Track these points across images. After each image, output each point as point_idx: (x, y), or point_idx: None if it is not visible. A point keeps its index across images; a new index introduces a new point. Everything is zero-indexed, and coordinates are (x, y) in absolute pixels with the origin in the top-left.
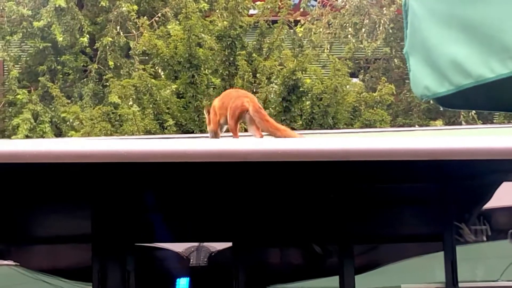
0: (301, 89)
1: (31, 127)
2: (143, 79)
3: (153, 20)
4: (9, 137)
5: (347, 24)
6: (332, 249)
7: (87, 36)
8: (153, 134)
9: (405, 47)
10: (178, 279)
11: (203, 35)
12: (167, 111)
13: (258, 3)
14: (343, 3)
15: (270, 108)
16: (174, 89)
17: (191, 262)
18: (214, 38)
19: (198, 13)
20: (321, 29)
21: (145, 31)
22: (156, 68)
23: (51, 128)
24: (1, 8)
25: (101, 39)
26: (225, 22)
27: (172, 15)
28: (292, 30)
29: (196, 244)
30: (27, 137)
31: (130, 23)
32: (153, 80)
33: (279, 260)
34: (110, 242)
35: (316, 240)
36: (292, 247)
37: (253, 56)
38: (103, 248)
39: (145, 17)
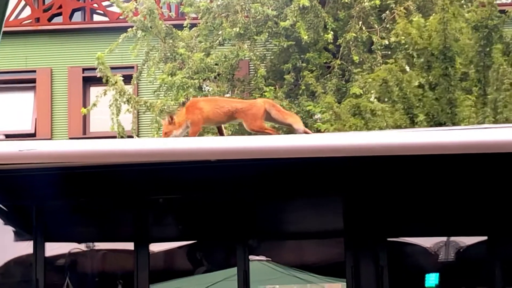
0: None
1: None
2: (393, 73)
3: (395, 13)
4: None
5: None
6: None
7: (331, 32)
8: (403, 129)
9: None
10: (427, 275)
11: (456, 29)
12: (417, 104)
13: None
14: None
15: None
16: (425, 81)
17: (440, 257)
18: (470, 28)
19: (456, 3)
20: None
21: (400, 20)
22: (401, 62)
23: None
24: (247, 9)
25: (344, 35)
26: (482, 12)
27: (415, 8)
28: None
29: (444, 238)
30: None
31: (373, 18)
32: (402, 73)
33: None
34: (363, 237)
35: None
36: None
37: (510, 47)
38: (356, 243)
39: (394, 8)
